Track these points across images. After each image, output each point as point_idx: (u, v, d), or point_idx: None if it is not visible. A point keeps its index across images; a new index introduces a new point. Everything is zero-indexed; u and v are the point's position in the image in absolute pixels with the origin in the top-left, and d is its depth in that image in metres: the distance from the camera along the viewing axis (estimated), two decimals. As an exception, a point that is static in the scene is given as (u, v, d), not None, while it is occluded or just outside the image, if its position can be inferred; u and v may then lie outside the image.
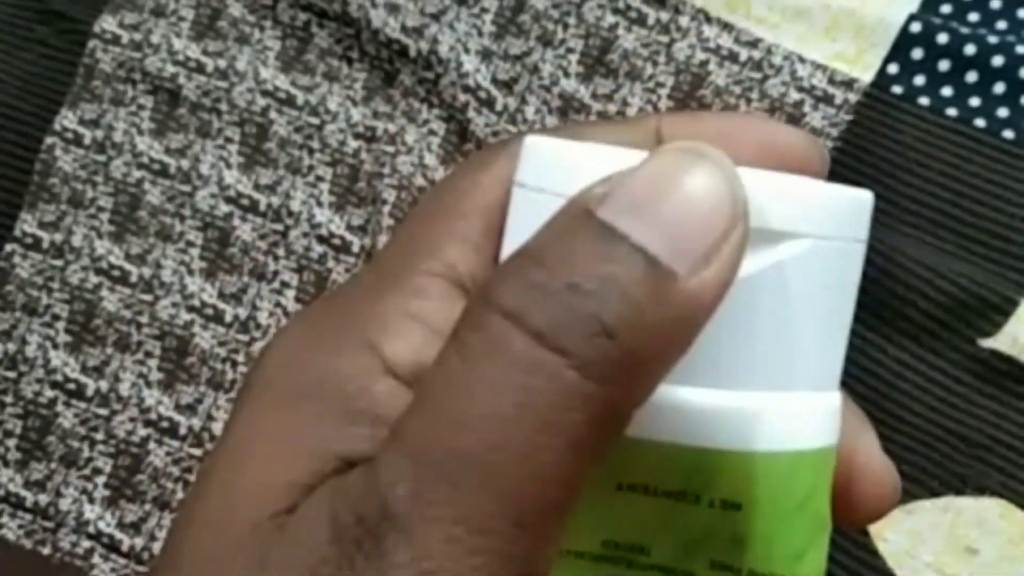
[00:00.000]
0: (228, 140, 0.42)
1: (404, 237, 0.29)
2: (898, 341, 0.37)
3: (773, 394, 0.22)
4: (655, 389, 0.20)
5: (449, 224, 0.27)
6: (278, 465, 0.23)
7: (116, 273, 0.42)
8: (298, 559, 0.21)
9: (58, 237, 0.42)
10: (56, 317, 0.41)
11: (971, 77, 0.39)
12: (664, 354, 0.20)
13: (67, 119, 0.43)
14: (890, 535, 0.35)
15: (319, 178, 0.42)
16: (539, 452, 0.19)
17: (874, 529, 0.35)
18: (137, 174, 0.42)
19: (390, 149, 0.42)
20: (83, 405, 0.41)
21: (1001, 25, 0.40)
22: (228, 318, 0.41)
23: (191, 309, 0.41)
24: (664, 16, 0.42)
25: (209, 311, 0.41)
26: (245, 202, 0.42)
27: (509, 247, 0.24)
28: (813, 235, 0.22)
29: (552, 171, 0.22)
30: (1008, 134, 0.39)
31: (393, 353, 0.24)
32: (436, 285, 0.26)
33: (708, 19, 0.41)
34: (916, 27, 0.40)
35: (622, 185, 0.20)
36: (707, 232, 0.19)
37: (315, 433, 0.24)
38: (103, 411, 0.41)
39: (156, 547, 0.40)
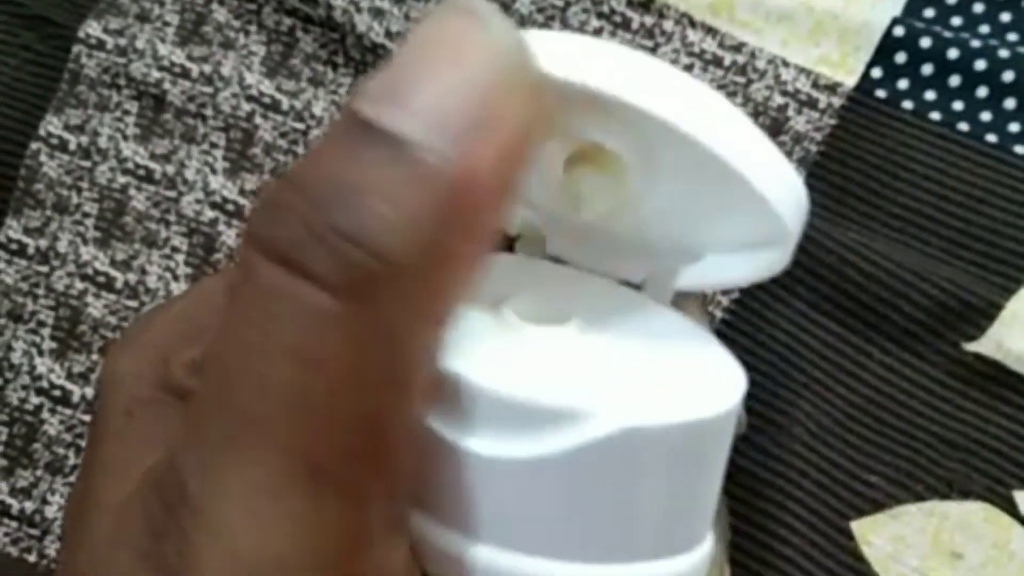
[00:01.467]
0: (213, 145, 0.42)
1: None
2: (882, 345, 0.37)
3: (607, 567, 0.20)
4: (449, 299, 0.18)
5: None
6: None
7: (101, 279, 0.41)
8: (125, 558, 0.18)
9: (43, 243, 0.42)
10: (41, 323, 0.41)
11: (954, 81, 0.40)
12: (440, 255, 0.17)
13: (52, 124, 0.42)
14: (875, 539, 0.35)
15: (305, 183, 0.42)
16: (309, 393, 0.17)
17: (859, 534, 0.35)
18: (122, 180, 0.42)
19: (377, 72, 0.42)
20: (69, 412, 0.41)
21: (984, 29, 0.40)
22: (214, 324, 0.41)
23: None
24: (648, 20, 0.42)
25: (195, 317, 0.41)
26: (231, 208, 0.42)
27: None
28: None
29: None
30: (991, 138, 0.39)
31: None
32: None
33: (692, 23, 0.42)
34: (899, 31, 0.40)
35: (385, 71, 0.17)
36: (473, 98, 0.17)
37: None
38: (88, 417, 0.41)
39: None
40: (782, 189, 0.19)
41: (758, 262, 0.22)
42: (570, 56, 0.19)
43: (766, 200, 0.19)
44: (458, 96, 0.17)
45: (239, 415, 0.17)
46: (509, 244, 0.22)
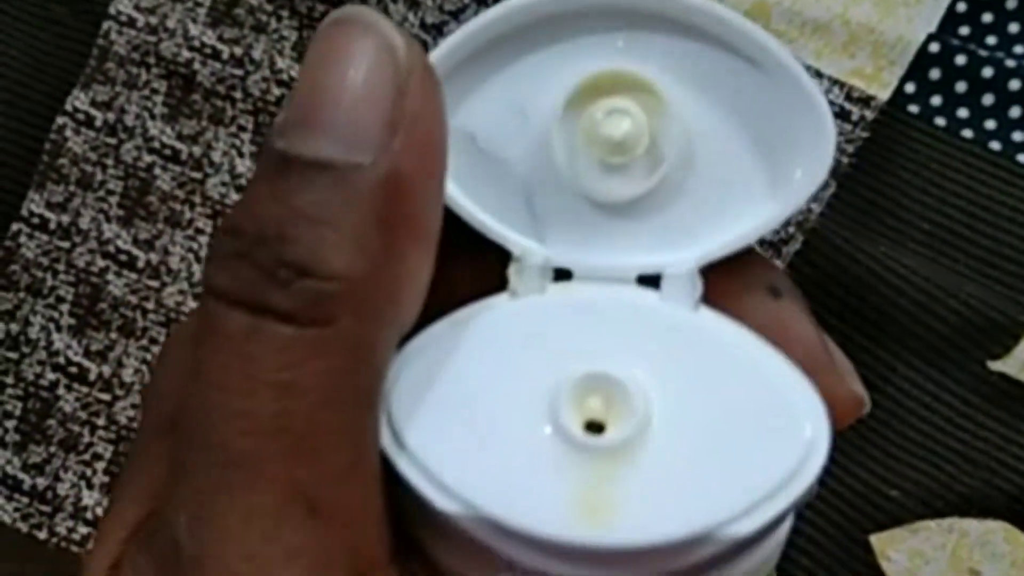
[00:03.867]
0: (241, 128, 0.42)
1: None
2: (907, 359, 0.37)
3: None
4: (407, 298, 0.18)
5: None
6: None
7: (123, 257, 0.41)
8: None
9: (65, 219, 0.41)
10: (61, 299, 0.41)
11: (988, 100, 0.40)
12: (389, 258, 0.17)
13: (79, 100, 0.42)
14: (894, 554, 0.35)
15: (332, 171, 0.41)
16: (292, 422, 0.17)
17: (878, 548, 0.35)
18: (148, 158, 0.42)
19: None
20: (85, 389, 0.41)
21: (1019, 49, 0.40)
22: (235, 308, 0.41)
23: (198, 298, 0.41)
24: (684, 24, 0.42)
25: (216, 300, 0.41)
26: (256, 192, 0.41)
27: None
28: None
29: None
30: (1023, 158, 0.39)
31: None
32: None
33: (728, 30, 0.42)
34: (935, 47, 0.40)
35: (289, 100, 0.17)
36: (375, 99, 0.17)
37: None
38: (105, 396, 0.41)
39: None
40: (814, 85, 0.18)
41: (794, 187, 0.19)
42: None
43: (806, 90, 0.18)
44: (361, 102, 0.17)
45: (226, 458, 0.17)
46: (502, 279, 0.20)
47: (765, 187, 0.19)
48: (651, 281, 0.20)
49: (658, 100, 0.19)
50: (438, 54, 0.19)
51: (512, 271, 0.20)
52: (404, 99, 0.17)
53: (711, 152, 0.19)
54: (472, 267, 0.20)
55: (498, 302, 0.19)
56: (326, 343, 0.17)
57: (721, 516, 0.16)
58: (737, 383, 0.18)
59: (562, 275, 0.20)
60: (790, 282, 0.21)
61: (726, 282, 0.20)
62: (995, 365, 0.36)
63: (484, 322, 0.19)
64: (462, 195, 0.20)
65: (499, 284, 0.20)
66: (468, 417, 0.18)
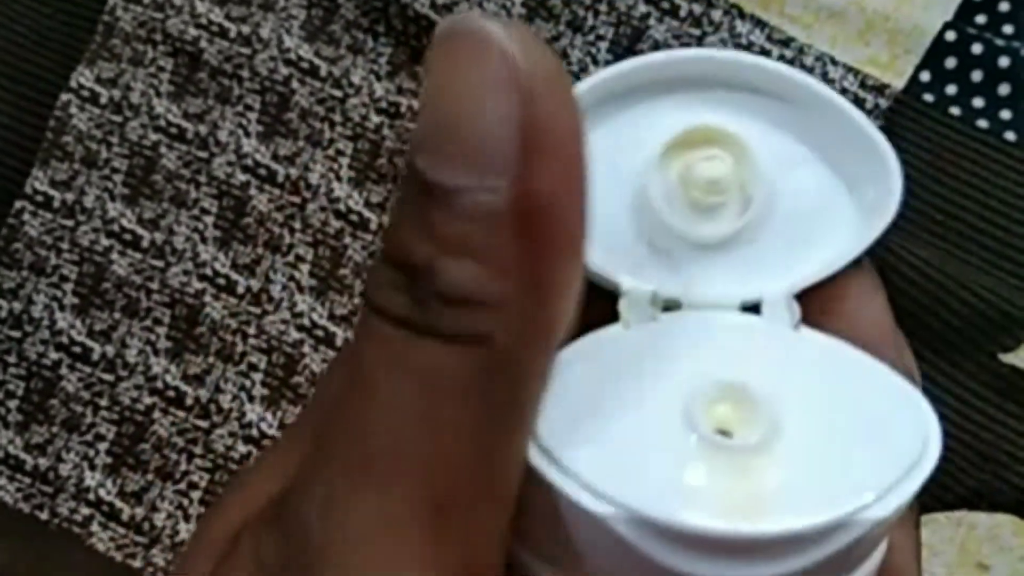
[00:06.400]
0: (248, 108, 0.41)
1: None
2: (918, 351, 0.36)
3: None
4: (557, 321, 0.18)
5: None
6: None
7: (128, 237, 0.41)
8: None
9: (69, 197, 0.41)
10: (64, 278, 0.41)
11: (1004, 90, 0.39)
12: (538, 282, 0.17)
13: (84, 76, 0.42)
14: (903, 546, 0.35)
15: (339, 152, 0.41)
16: (437, 437, 0.17)
17: (887, 539, 0.35)
18: (153, 137, 0.41)
19: (413, 127, 0.41)
20: (88, 369, 0.40)
21: (1035, 39, 0.40)
22: (240, 289, 0.41)
23: (203, 278, 0.41)
24: (697, 9, 0.41)
25: (221, 281, 0.41)
26: (263, 172, 0.41)
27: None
28: None
29: None
30: (1038, 149, 0.38)
31: None
32: None
33: (742, 15, 0.41)
34: (951, 36, 0.40)
35: (422, 116, 0.17)
36: (503, 122, 0.17)
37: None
38: (108, 376, 0.40)
39: (157, 518, 0.40)
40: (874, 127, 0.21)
41: (871, 210, 0.22)
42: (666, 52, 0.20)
43: (869, 135, 0.20)
44: (487, 124, 0.17)
45: (369, 451, 0.17)
46: (613, 311, 0.21)
47: (845, 214, 0.22)
48: (751, 309, 0.22)
49: (742, 148, 0.21)
50: None
51: (623, 306, 0.21)
52: (532, 112, 0.17)
53: (792, 189, 0.21)
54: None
55: (614, 331, 0.21)
56: (484, 363, 0.17)
57: (860, 501, 0.17)
58: (851, 384, 0.19)
59: (667, 308, 0.21)
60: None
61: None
62: (1007, 358, 0.36)
63: (607, 347, 0.20)
64: None
65: (607, 318, 0.21)
66: (611, 430, 0.19)
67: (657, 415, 0.19)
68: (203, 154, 0.41)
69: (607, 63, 0.41)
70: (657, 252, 0.22)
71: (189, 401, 0.40)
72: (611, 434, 0.19)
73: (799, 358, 0.20)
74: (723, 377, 0.19)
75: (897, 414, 0.19)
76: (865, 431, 0.19)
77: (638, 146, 0.21)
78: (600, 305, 0.21)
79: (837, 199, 0.22)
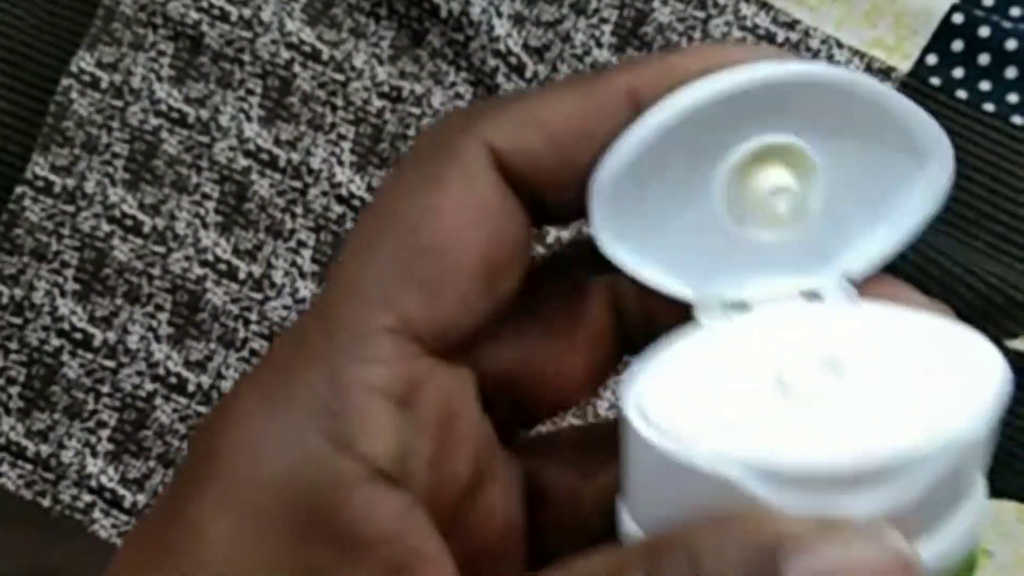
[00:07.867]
0: (249, 92, 0.41)
1: (351, 279, 0.23)
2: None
3: None
4: None
5: (401, 264, 0.22)
6: None
7: (129, 222, 0.41)
8: None
9: (70, 182, 0.41)
10: (65, 264, 0.41)
11: (1011, 73, 0.39)
12: None
13: (84, 61, 0.41)
14: (907, 533, 0.34)
15: (341, 136, 0.41)
16: None
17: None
18: (154, 122, 0.41)
19: (415, 111, 0.41)
20: (89, 356, 0.40)
21: (1043, 21, 0.40)
22: (242, 275, 0.40)
23: (204, 264, 0.40)
24: (702, -9, 0.41)
25: (223, 267, 0.40)
26: (264, 157, 0.41)
27: (639, 499, 0.22)
28: None
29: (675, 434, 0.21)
30: (1046, 133, 0.38)
31: (370, 453, 0.21)
32: (393, 345, 0.22)
33: (747, -3, 0.41)
34: (958, 18, 0.39)
35: (813, 551, 0.18)
36: None
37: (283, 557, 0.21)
38: (110, 363, 0.40)
39: (158, 504, 0.40)
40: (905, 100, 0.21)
41: (922, 194, 0.23)
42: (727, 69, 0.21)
43: (905, 107, 0.21)
44: None
45: None
46: (687, 313, 0.23)
47: (898, 201, 0.23)
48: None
49: (802, 157, 0.22)
50: (631, 141, 0.21)
51: (697, 313, 0.23)
52: None
53: (846, 184, 0.22)
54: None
55: (692, 330, 0.22)
56: None
57: (958, 423, 0.19)
58: (926, 335, 0.21)
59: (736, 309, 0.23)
60: None
61: None
62: (1013, 343, 0.36)
63: (690, 343, 0.22)
64: (640, 263, 0.22)
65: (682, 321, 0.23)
66: (713, 404, 0.20)
67: (757, 386, 0.21)
68: (204, 139, 0.41)
69: (611, 46, 0.41)
70: (721, 258, 0.23)
71: (191, 388, 0.40)
72: (712, 406, 0.20)
73: (873, 321, 0.22)
74: (809, 347, 0.21)
75: (972, 352, 0.21)
76: (949, 369, 0.20)
77: (704, 162, 0.22)
78: (672, 313, 0.22)
79: (888, 189, 0.23)
